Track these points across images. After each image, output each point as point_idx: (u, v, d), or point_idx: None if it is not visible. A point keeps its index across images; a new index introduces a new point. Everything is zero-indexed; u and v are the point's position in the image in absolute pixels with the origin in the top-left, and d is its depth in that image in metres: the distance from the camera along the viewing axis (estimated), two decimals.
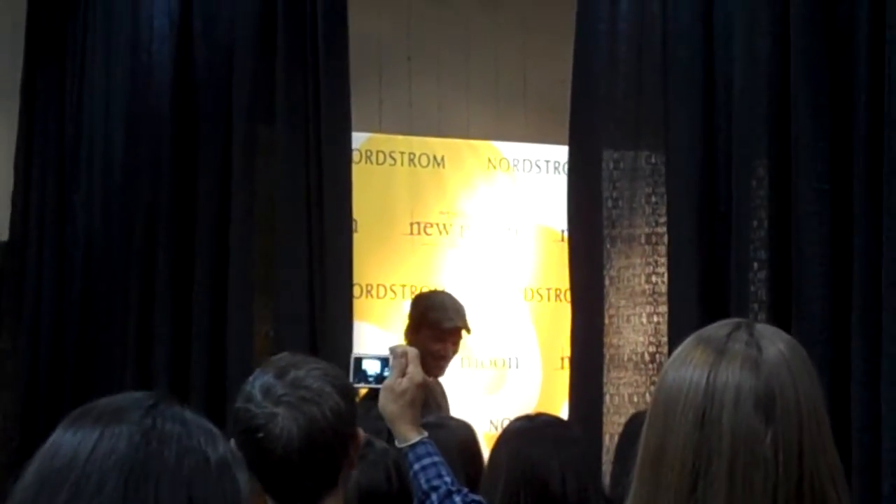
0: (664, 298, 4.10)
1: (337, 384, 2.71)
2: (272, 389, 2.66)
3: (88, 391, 5.16)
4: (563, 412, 6.63)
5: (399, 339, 5.97)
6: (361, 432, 2.78)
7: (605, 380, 4.25)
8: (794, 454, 1.80)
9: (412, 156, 6.57)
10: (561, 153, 6.70)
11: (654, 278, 4.18)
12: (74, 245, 5.41)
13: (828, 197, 3.65)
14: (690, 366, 1.88)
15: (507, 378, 6.71)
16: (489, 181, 6.73)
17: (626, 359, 4.23)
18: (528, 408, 6.45)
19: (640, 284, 4.22)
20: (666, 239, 4.12)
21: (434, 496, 3.03)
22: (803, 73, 3.71)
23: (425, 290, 6.03)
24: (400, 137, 6.57)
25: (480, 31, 6.87)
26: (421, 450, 3.07)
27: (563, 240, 6.63)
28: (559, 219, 6.65)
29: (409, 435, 3.09)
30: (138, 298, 5.14)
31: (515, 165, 6.77)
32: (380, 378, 3.21)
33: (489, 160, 6.74)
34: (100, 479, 1.47)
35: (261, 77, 4.99)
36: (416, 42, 6.78)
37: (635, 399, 4.26)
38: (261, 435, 2.63)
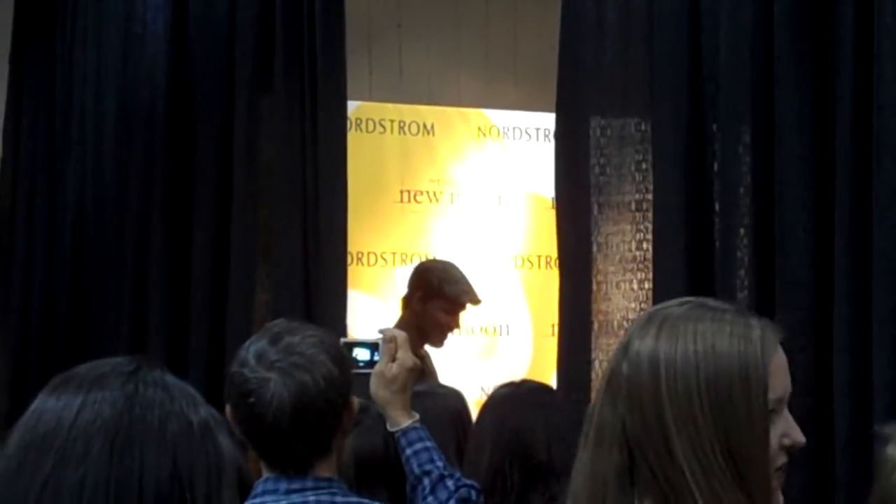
0: (653, 265, 4.11)
1: (331, 352, 2.74)
2: (265, 355, 2.69)
3: (81, 362, 5.15)
4: (554, 379, 6.70)
5: (390, 306, 6.00)
6: (356, 400, 2.80)
7: (593, 346, 4.26)
8: (639, 442, 1.85)
9: (402, 124, 6.58)
10: (551, 121, 6.71)
11: (644, 245, 4.18)
12: (65, 215, 5.40)
13: (811, 163, 3.67)
14: None
15: (498, 345, 6.74)
16: (479, 149, 6.74)
17: (615, 325, 4.24)
18: (519, 375, 6.47)
19: (629, 251, 4.22)
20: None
21: (426, 480, 3.05)
22: (787, 39, 3.72)
23: (430, 259, 6.02)
24: (390, 105, 6.58)
25: None
26: (413, 435, 3.10)
27: (553, 207, 6.65)
28: (549, 186, 6.64)
29: (401, 420, 3.11)
30: (133, 272, 5.13)
31: (506, 133, 6.78)
32: (370, 364, 3.22)
33: (479, 128, 6.75)
34: (85, 444, 1.48)
35: (260, 47, 4.96)
36: (406, 10, 6.77)
37: None
38: (252, 400, 2.66)
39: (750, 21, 3.82)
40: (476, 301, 5.54)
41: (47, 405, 1.54)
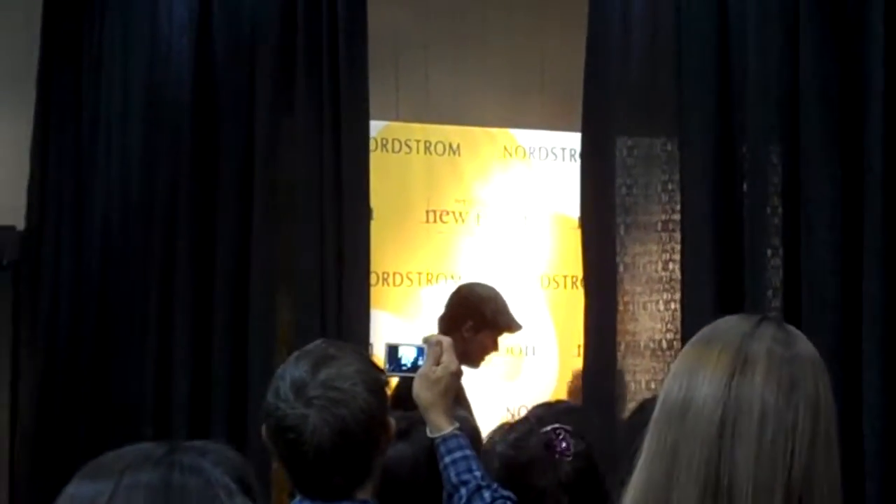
0: (681, 285, 4.09)
1: (368, 381, 2.74)
2: (303, 389, 2.68)
3: (106, 382, 5.18)
4: (579, 399, 6.67)
5: (415, 326, 5.98)
6: (392, 421, 2.79)
7: (619, 367, 4.24)
8: (806, 442, 1.81)
9: (428, 144, 6.57)
10: (577, 141, 6.69)
11: (670, 265, 4.16)
12: (92, 236, 5.41)
13: (839, 183, 3.65)
14: (719, 341, 1.90)
15: (523, 365, 6.71)
16: (505, 169, 6.73)
17: (642, 346, 4.22)
18: (544, 395, 6.47)
19: (656, 271, 4.20)
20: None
21: (463, 490, 3.03)
22: (813, 59, 3.72)
23: (475, 284, 5.87)
24: (416, 125, 6.57)
25: (497, 19, 6.87)
26: (452, 443, 3.08)
27: (579, 227, 6.64)
28: (575, 206, 6.64)
29: (442, 425, 3.10)
30: (158, 289, 5.13)
31: (531, 153, 6.76)
32: (414, 366, 3.23)
33: (505, 148, 6.74)
34: None
35: (282, 67, 4.98)
36: (432, 31, 6.78)
37: (653, 386, 4.25)
38: (292, 436, 2.66)
39: (778, 41, 3.81)
40: (520, 328, 5.65)
41: (80, 490, 1.49)
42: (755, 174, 3.88)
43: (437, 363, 3.16)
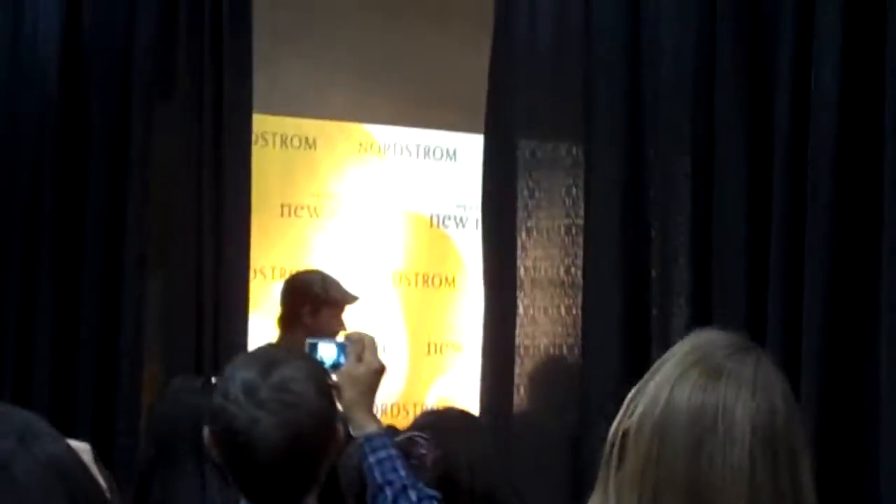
0: (583, 290, 4.09)
1: (318, 384, 2.67)
2: (255, 391, 2.59)
3: None
4: (429, 398, 6.66)
5: (268, 321, 5.89)
6: (341, 429, 2.73)
7: (518, 372, 4.22)
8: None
9: (284, 137, 6.49)
10: (431, 137, 6.70)
11: (573, 270, 4.16)
12: None
13: (747, 189, 3.68)
14: (714, 394, 1.88)
15: None
16: (361, 164, 6.67)
17: (542, 351, 4.22)
18: (392, 392, 6.44)
19: (558, 276, 4.20)
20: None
21: (388, 491, 2.97)
22: (726, 69, 3.74)
23: (298, 272, 5.95)
24: (272, 118, 6.44)
25: (349, 12, 6.79)
26: (377, 442, 3.02)
27: (432, 226, 6.66)
28: (429, 204, 6.67)
29: (367, 424, 3.03)
30: (19, 280, 4.86)
31: (387, 149, 6.72)
32: (335, 364, 3.16)
33: (360, 143, 6.68)
34: None
35: (160, 52, 4.80)
36: (285, 21, 6.66)
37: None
38: (242, 439, 2.56)
39: (690, 48, 3.84)
40: (356, 298, 5.61)
41: None
42: (665, 182, 3.90)
43: (359, 360, 3.10)
